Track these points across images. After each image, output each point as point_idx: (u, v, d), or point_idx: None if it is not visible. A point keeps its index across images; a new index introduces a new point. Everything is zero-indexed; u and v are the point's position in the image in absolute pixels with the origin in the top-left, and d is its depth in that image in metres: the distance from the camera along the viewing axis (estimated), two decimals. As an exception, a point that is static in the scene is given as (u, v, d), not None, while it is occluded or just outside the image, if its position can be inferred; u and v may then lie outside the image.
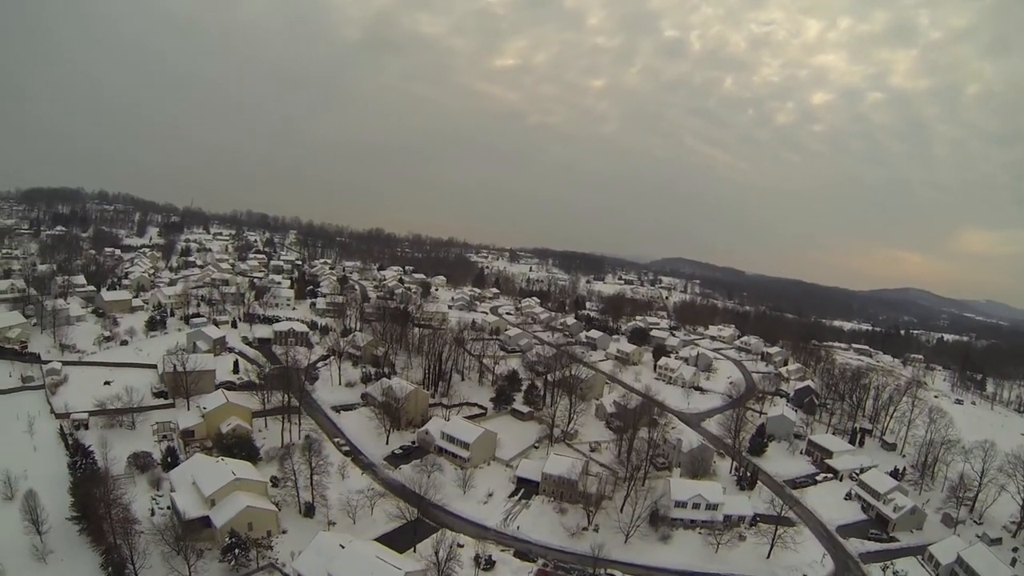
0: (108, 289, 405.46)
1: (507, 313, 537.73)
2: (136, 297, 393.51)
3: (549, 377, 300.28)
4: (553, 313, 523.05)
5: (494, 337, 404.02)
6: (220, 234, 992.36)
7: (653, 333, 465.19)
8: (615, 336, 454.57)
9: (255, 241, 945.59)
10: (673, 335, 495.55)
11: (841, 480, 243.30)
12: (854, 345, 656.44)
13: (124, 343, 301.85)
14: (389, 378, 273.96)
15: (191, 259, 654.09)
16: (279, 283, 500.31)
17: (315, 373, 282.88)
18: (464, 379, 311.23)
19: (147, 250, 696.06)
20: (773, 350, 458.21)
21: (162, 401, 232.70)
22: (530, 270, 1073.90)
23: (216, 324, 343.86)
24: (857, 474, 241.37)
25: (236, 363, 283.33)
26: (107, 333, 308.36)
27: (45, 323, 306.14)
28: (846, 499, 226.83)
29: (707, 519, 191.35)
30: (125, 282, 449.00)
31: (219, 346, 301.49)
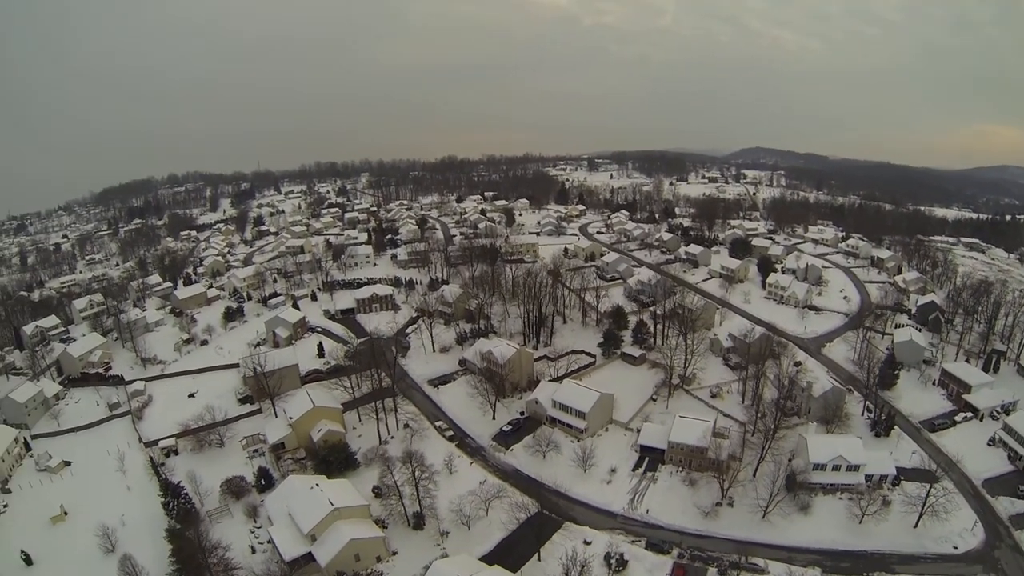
0: (184, 282, 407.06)
1: (598, 232, 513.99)
2: (211, 287, 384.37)
3: (656, 310, 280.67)
4: (645, 227, 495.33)
5: (590, 264, 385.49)
6: (292, 192, 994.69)
7: (755, 243, 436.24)
8: (715, 248, 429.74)
9: (327, 193, 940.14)
10: (774, 242, 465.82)
11: (982, 420, 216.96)
12: (963, 239, 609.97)
13: (204, 343, 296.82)
14: (487, 336, 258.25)
15: (264, 227, 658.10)
16: (355, 239, 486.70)
17: (405, 342, 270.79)
18: (566, 321, 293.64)
19: (221, 225, 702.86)
20: (884, 254, 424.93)
21: (248, 408, 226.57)
22: (611, 177, 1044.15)
23: (295, 302, 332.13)
24: (999, 412, 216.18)
25: (320, 345, 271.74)
26: (185, 336, 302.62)
27: (124, 336, 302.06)
28: (989, 445, 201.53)
29: (848, 482, 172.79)
30: (200, 269, 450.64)
31: (300, 329, 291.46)
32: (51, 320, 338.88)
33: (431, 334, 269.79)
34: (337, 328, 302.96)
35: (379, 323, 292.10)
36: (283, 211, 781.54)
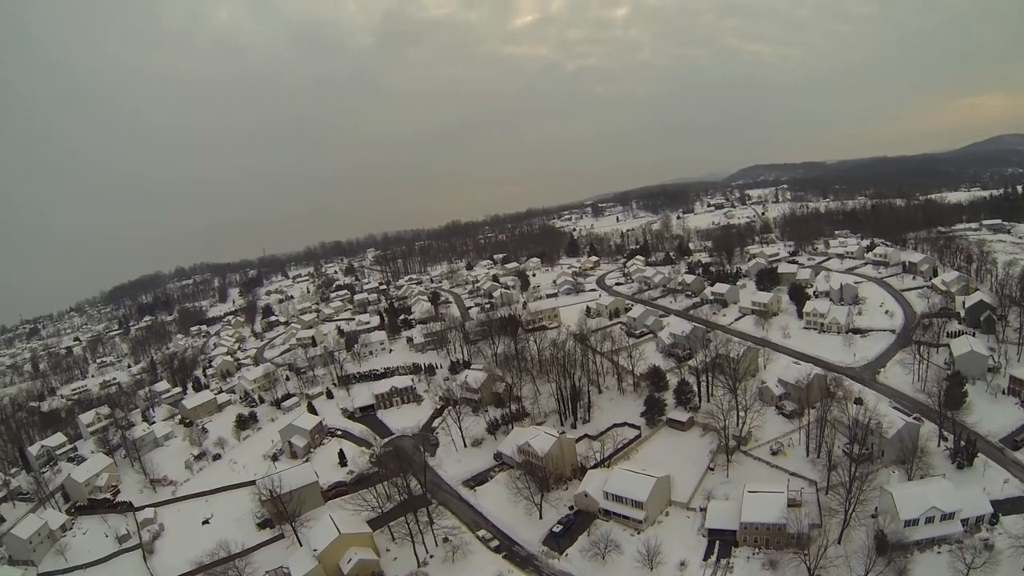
0: (193, 386, 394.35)
1: (616, 284, 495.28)
2: (220, 391, 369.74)
3: (694, 362, 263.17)
4: (664, 271, 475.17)
5: (616, 321, 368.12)
6: (299, 276, 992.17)
7: (780, 270, 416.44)
8: (740, 283, 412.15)
9: (335, 273, 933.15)
10: (799, 264, 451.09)
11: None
12: (985, 223, 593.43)
13: (216, 457, 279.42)
14: (520, 420, 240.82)
15: (274, 317, 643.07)
16: (367, 324, 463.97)
17: (433, 438, 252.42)
18: (601, 391, 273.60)
19: (231, 318, 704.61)
20: (915, 257, 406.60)
21: (267, 534, 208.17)
22: (617, 220, 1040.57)
23: (310, 403, 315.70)
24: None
25: (341, 453, 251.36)
26: (196, 451, 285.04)
27: (132, 455, 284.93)
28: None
29: (944, 533, 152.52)
30: (210, 370, 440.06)
31: (317, 435, 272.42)
32: (57, 439, 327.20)
33: (460, 427, 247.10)
34: (357, 429, 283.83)
35: (402, 419, 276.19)
36: (291, 296, 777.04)
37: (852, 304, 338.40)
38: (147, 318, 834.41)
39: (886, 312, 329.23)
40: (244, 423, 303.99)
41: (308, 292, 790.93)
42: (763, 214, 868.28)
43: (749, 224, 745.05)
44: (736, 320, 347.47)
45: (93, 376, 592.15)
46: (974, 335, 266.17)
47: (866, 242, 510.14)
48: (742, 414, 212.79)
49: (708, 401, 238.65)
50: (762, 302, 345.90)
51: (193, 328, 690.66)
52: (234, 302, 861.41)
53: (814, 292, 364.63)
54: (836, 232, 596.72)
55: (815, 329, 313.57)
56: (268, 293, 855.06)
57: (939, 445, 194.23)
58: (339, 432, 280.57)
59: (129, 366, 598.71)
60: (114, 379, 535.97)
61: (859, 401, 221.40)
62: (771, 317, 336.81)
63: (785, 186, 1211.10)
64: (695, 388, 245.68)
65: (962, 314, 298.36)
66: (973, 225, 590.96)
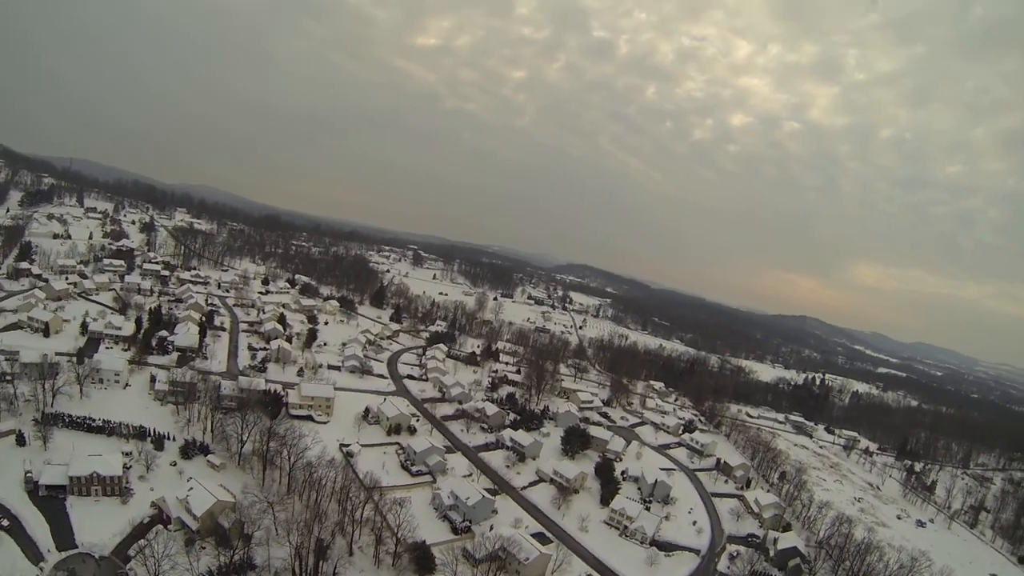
0: None
1: (409, 376, 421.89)
2: None
3: (471, 545, 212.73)
4: (464, 387, 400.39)
5: (394, 442, 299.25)
6: (93, 211, 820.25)
7: (592, 432, 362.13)
8: (544, 429, 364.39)
9: (132, 224, 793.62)
10: (610, 421, 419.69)
11: None
12: (791, 417, 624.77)
13: None
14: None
15: (27, 264, 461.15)
16: (117, 329, 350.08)
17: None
18: (352, 552, 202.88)
19: None
20: (734, 460, 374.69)
21: None
22: (434, 277, 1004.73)
23: None
24: None
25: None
26: None
27: None
28: None
29: None
30: None
31: None
32: None
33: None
34: (35, 520, 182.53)
35: (97, 521, 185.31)
36: (70, 238, 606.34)
37: (662, 503, 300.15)
38: None
39: (694, 523, 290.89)
40: None
41: (89, 240, 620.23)
42: (580, 328, 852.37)
43: (563, 337, 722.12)
44: (531, 485, 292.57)
45: None
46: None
47: (683, 414, 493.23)
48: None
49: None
50: (566, 476, 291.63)
51: None
52: (8, 211, 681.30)
53: (623, 474, 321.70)
54: (652, 383, 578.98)
55: (617, 530, 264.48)
56: (49, 217, 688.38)
57: None
58: (5, 523, 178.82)
59: None
60: None
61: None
62: (573, 494, 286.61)
63: (608, 301, 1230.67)
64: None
65: (771, 552, 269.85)
66: (780, 418, 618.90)
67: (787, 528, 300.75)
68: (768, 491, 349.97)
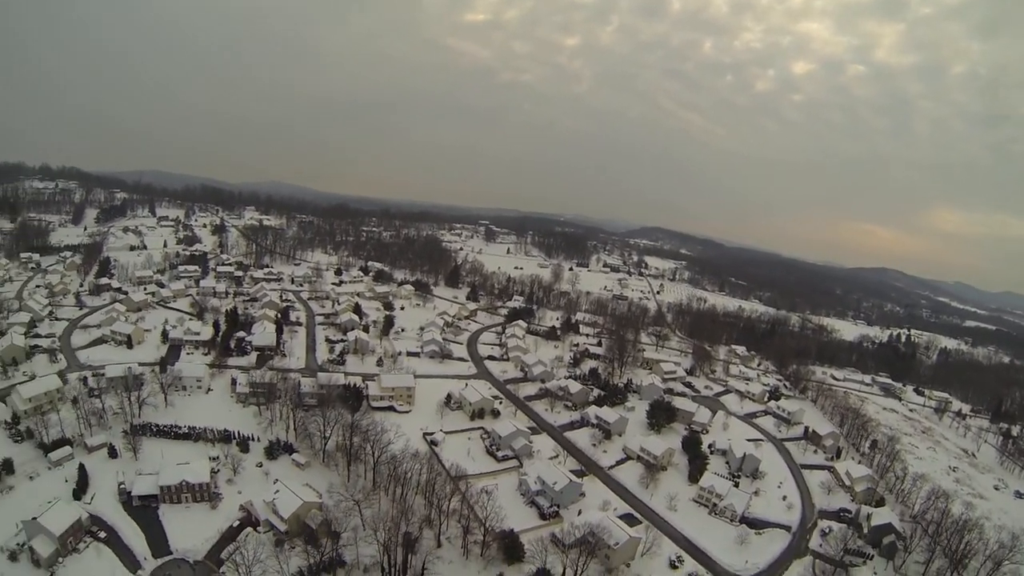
0: None
1: (489, 357, 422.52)
2: None
3: (560, 531, 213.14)
4: (544, 361, 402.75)
5: (477, 427, 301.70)
6: (165, 219, 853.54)
7: (677, 404, 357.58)
8: (629, 403, 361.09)
9: (203, 228, 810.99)
10: (695, 392, 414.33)
11: None
12: (877, 378, 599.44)
13: None
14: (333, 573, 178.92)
15: (107, 280, 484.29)
16: (195, 335, 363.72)
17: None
18: (440, 544, 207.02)
19: (65, 257, 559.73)
20: (823, 429, 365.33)
21: None
22: (508, 252, 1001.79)
23: (82, 465, 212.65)
24: None
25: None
26: None
27: None
28: None
29: None
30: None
31: (74, 536, 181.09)
32: None
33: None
34: (129, 529, 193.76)
35: (189, 526, 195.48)
36: (146, 248, 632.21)
37: (751, 477, 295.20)
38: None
39: (784, 498, 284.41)
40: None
41: (164, 248, 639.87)
42: (658, 292, 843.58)
43: (642, 304, 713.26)
44: (618, 464, 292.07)
45: None
46: (872, 558, 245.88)
47: (767, 380, 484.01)
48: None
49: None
50: (653, 452, 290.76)
51: (24, 255, 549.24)
52: (86, 228, 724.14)
53: (710, 447, 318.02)
54: (734, 347, 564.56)
55: (707, 508, 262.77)
56: (125, 231, 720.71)
57: None
58: (102, 535, 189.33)
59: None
60: None
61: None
62: (660, 471, 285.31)
63: (684, 263, 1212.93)
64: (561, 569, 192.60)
65: (865, 528, 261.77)
66: (866, 379, 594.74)
67: (880, 502, 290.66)
68: (859, 462, 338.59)
